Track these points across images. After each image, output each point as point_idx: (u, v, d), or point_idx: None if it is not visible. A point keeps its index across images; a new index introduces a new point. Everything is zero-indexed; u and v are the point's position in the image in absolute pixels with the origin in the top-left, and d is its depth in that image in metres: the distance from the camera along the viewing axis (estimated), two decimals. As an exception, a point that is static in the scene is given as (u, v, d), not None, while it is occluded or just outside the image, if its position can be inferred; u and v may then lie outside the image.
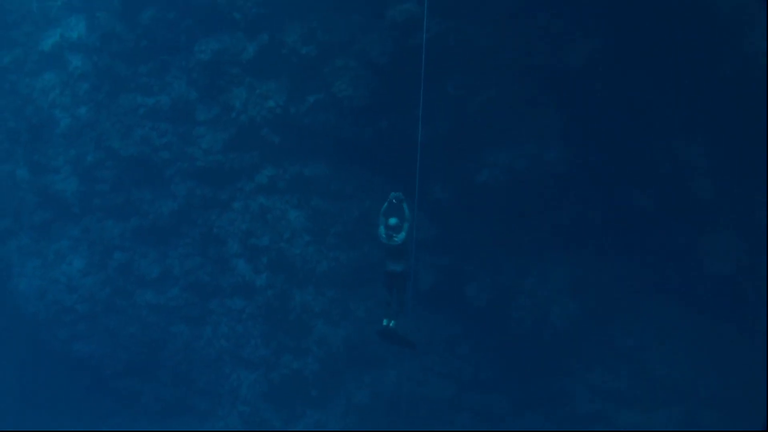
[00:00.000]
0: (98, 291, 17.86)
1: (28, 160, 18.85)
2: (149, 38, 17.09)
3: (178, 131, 17.02)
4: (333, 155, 15.58)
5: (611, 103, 13.32)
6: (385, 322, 11.81)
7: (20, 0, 19.51)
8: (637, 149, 13.43)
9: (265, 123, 15.84)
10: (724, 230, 13.24)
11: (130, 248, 17.68)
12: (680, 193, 13.25)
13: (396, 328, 11.75)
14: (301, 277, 16.03)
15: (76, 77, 18.41)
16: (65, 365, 17.99)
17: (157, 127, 17.20)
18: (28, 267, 18.65)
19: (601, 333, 14.54)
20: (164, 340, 17.44)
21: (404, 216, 11.33)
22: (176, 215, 17.19)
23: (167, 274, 17.42)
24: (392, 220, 11.40)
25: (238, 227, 16.59)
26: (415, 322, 14.73)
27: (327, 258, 15.75)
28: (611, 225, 13.99)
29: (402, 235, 11.27)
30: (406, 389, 15.04)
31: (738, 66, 12.16)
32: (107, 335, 17.67)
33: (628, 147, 13.48)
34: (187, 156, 16.86)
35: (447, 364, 15.33)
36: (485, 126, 14.13)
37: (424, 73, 10.72)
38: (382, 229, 11.49)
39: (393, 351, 15.20)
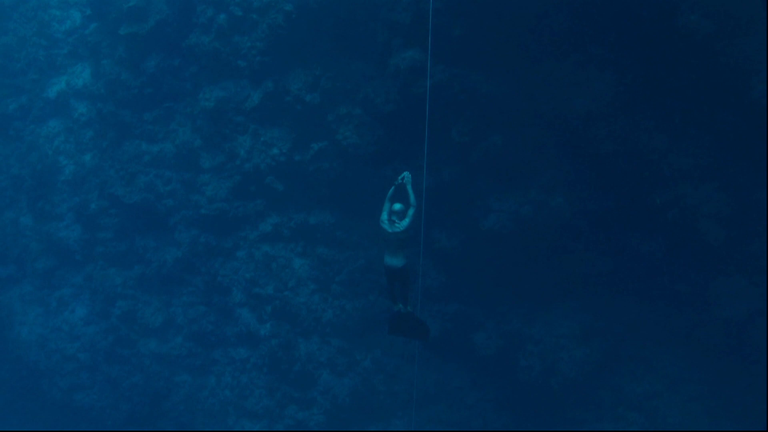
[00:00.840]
0: (100, 340, 17.66)
1: (32, 207, 18.88)
2: (154, 85, 17.17)
3: (183, 179, 16.99)
4: (338, 203, 15.50)
5: (617, 148, 13.22)
6: (396, 308, 11.35)
7: (27, 48, 19.79)
8: (644, 194, 13.30)
9: (269, 171, 15.79)
10: (733, 274, 13.07)
11: (133, 296, 17.51)
12: (688, 238, 13.08)
13: (410, 310, 11.28)
14: (306, 327, 15.83)
15: (81, 124, 18.57)
16: (66, 416, 17.70)
17: (161, 174, 17.18)
18: (30, 315, 18.52)
19: (611, 381, 14.31)
20: (167, 390, 17.16)
21: (409, 201, 10.71)
22: (180, 263, 17.05)
23: (170, 323, 17.23)
24: (397, 205, 10.77)
25: (243, 276, 16.45)
26: (422, 371, 14.58)
27: (332, 307, 15.57)
28: (619, 271, 13.83)
29: (405, 222, 10.63)
30: (413, 441, 14.76)
31: (743, 111, 12.11)
32: (109, 385, 17.39)
33: (635, 192, 13.36)
34: (192, 204, 16.79)
35: (455, 414, 15.03)
36: (491, 172, 14.06)
37: (428, 121, 10.66)
38: (384, 215, 10.83)
39: (400, 401, 15.01)
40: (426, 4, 10.46)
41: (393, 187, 10.97)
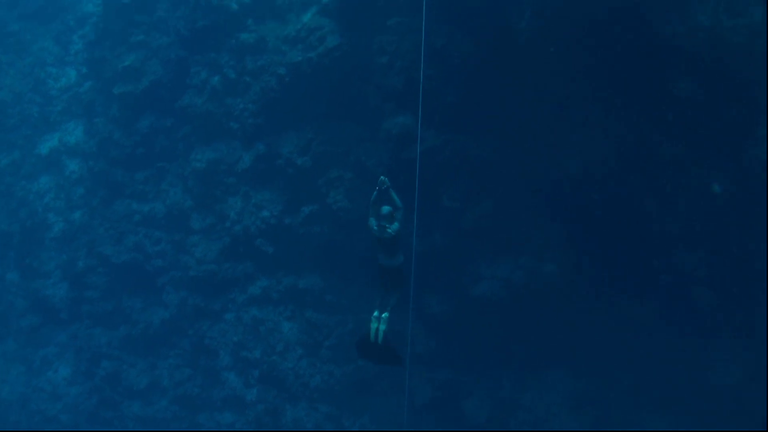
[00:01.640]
0: (84, 401, 17.32)
1: (19, 263, 18.74)
2: (146, 145, 17.22)
3: (172, 239, 16.90)
4: (328, 267, 15.37)
5: (610, 213, 13.19)
6: (376, 313, 10.72)
7: (22, 104, 19.96)
8: (636, 259, 13.23)
9: (259, 233, 15.72)
10: (727, 340, 12.91)
11: (118, 357, 17.22)
12: (681, 303, 12.95)
13: (385, 327, 10.63)
14: (294, 392, 15.52)
15: (72, 181, 18.59)
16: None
17: (150, 234, 17.11)
18: (12, 373, 18.24)
19: (603, 451, 14.02)
20: (150, 454, 16.76)
21: (395, 204, 10.38)
22: (167, 325, 16.81)
23: (156, 386, 16.87)
24: (385, 209, 10.38)
25: (230, 339, 16.21)
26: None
27: (320, 372, 15.31)
28: (611, 337, 13.65)
29: (395, 226, 10.30)
30: None
31: (736, 176, 12.12)
32: (91, 448, 17.00)
33: (628, 257, 13.27)
34: (181, 265, 16.65)
35: (445, 482, 14.69)
36: (482, 238, 13.98)
37: (419, 185, 10.59)
38: (373, 222, 10.48)
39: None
40: (418, 70, 10.52)
41: (376, 191, 10.57)
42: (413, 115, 13.49)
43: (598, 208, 13.26)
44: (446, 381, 14.63)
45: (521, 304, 13.87)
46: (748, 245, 12.26)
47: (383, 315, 10.70)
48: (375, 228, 10.51)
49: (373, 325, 10.76)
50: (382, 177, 10.52)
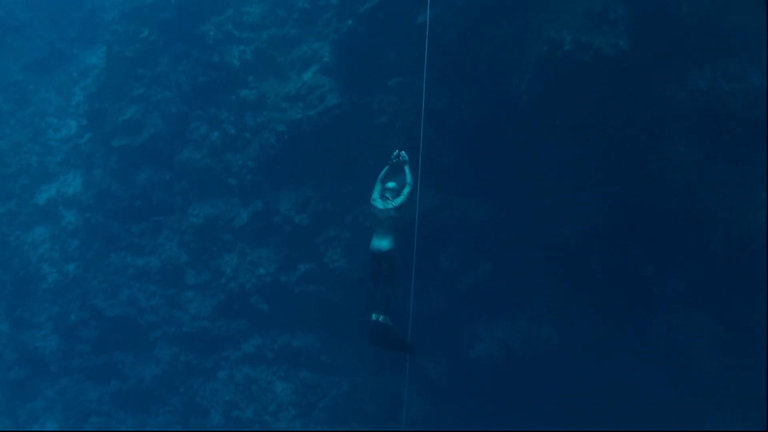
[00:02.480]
0: (70, 458, 16.92)
1: (10, 314, 18.58)
2: (144, 198, 17.19)
3: (167, 294, 16.74)
4: (323, 327, 15.19)
5: (608, 276, 13.08)
6: (374, 317, 10.12)
7: (21, 153, 20.02)
8: (636, 324, 13.07)
9: (254, 291, 15.58)
10: (728, 405, 12.67)
11: (108, 413, 16.89)
12: (683, 369, 12.76)
13: (387, 323, 10.16)
14: (286, 454, 15.22)
15: (68, 233, 18.54)
16: None
17: (145, 288, 16.96)
18: (-3, 427, 17.83)
19: None
20: None
21: (406, 180, 9.99)
22: (158, 381, 16.53)
23: (145, 444, 16.54)
24: (391, 183, 10.14)
25: (222, 397, 15.90)
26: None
27: (314, 434, 15.03)
28: (610, 401, 13.40)
29: (400, 199, 9.90)
30: None
31: (734, 238, 12.05)
32: None
33: (627, 322, 13.13)
34: (174, 320, 16.47)
35: None
36: (479, 300, 13.83)
37: (416, 247, 10.50)
38: (376, 194, 10.15)
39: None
40: (417, 131, 10.54)
41: (387, 167, 10.31)
42: (413, 178, 13.50)
43: (597, 271, 13.16)
44: (442, 445, 14.33)
45: (519, 366, 13.65)
46: (749, 309, 12.14)
47: (380, 318, 10.24)
48: (377, 199, 10.17)
49: (374, 317, 10.32)
50: (401, 151, 10.28)
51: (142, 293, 16.90)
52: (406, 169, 10.19)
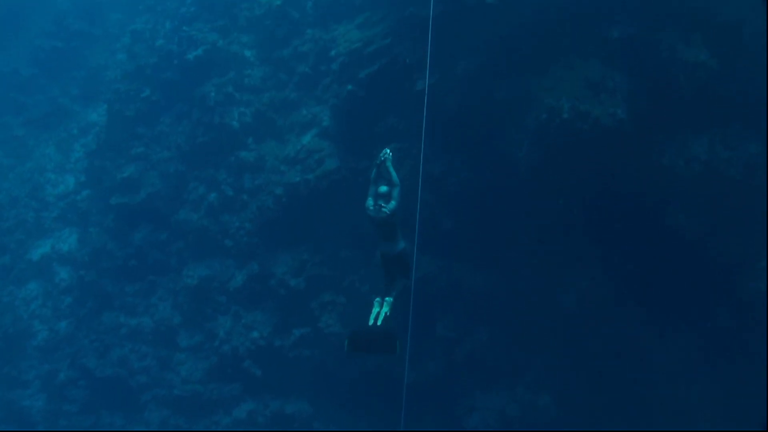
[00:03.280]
0: None
1: (-2, 371, 18.15)
2: (139, 258, 17.10)
3: (158, 355, 16.51)
4: (317, 393, 14.94)
5: (606, 346, 12.95)
6: (378, 298, 10.15)
7: (18, 208, 19.96)
8: (635, 391, 12.86)
9: (248, 354, 15.37)
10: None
11: (94, 477, 16.45)
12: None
13: (387, 311, 10.01)
14: None
15: (61, 290, 18.36)
16: None
17: (136, 349, 16.72)
18: (-22, 489, 17.32)
19: None
20: None
21: (392, 180, 9.80)
22: (147, 445, 16.14)
23: None
24: (382, 188, 9.83)
25: (212, 464, 15.56)
26: None
27: (305, 504, 14.63)
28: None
29: (392, 204, 9.72)
30: None
31: (734, 308, 11.93)
32: None
33: (625, 390, 12.92)
34: (165, 382, 16.19)
35: None
36: (476, 368, 13.68)
37: (412, 314, 10.33)
38: (370, 201, 9.93)
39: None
40: (415, 197, 10.49)
41: (375, 169, 10.09)
42: (410, 243, 13.43)
43: (596, 339, 13.02)
44: None
45: (517, 438, 13.42)
46: (750, 378, 11.93)
47: (386, 299, 10.14)
48: (371, 207, 9.95)
49: (375, 309, 10.16)
50: (385, 149, 10.08)
51: (133, 354, 16.64)
52: (390, 169, 9.96)
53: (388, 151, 10.01)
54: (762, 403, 11.72)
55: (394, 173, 9.93)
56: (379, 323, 10.13)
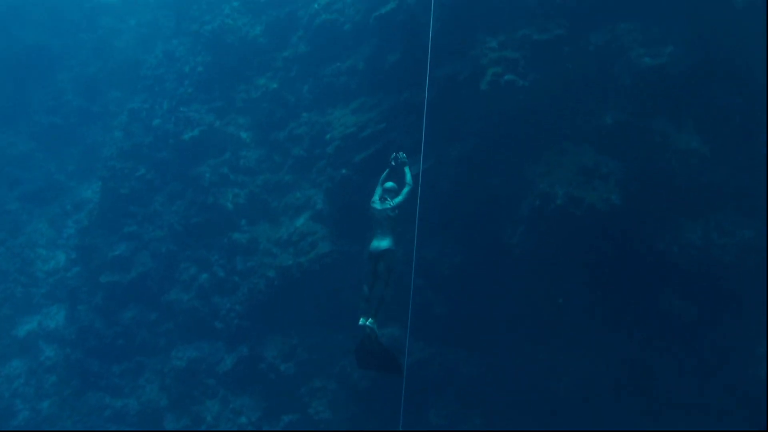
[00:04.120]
0: None
1: (-27, 454, 17.63)
2: (127, 337, 16.91)
3: (143, 439, 16.05)
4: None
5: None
6: (361, 321, 10.16)
7: (6, 283, 19.82)
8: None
9: (235, 440, 14.97)
10: None
11: None
12: None
13: (375, 332, 10.17)
14: None
15: (46, 368, 18.09)
16: None
17: (120, 432, 16.26)
18: None
19: None
20: None
21: (405, 180, 9.99)
22: None
23: None
24: (389, 184, 10.08)
25: None
26: None
27: None
28: None
29: (398, 198, 9.85)
30: None
31: (731, 392, 11.69)
32: None
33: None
34: (148, 469, 15.71)
35: None
36: (469, 458, 13.30)
37: (404, 401, 10.14)
38: (376, 197, 10.08)
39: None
40: (408, 282, 10.42)
41: (387, 170, 10.32)
42: (402, 327, 13.28)
43: (594, 426, 12.72)
44: None
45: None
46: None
47: (368, 323, 10.24)
48: (377, 201, 10.12)
49: (362, 321, 10.33)
50: (400, 153, 10.45)
51: (117, 437, 16.23)
52: (406, 170, 10.38)
53: (403, 154, 10.47)
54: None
55: (408, 173, 10.37)
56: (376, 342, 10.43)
